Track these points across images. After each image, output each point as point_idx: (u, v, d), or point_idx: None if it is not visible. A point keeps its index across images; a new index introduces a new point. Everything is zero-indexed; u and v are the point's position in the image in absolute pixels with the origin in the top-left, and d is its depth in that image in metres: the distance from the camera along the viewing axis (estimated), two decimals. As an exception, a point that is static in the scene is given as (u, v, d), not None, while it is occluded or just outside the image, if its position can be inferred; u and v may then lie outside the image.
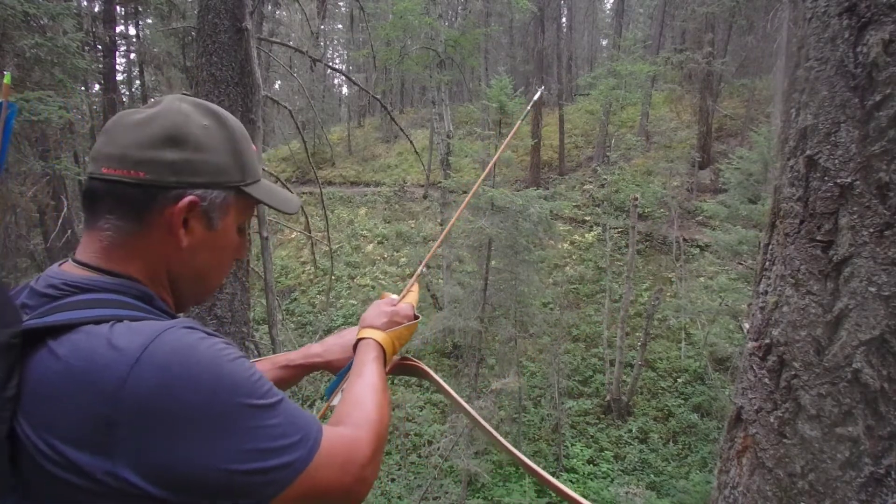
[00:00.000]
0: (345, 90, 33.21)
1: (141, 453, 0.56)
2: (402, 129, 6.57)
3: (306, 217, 5.75)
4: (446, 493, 8.50)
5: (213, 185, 0.73)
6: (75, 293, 0.66)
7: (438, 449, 8.19)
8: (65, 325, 0.60)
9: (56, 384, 0.57)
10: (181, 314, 0.79)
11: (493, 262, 10.06)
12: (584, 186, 17.19)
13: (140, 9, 16.14)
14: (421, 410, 10.64)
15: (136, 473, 0.56)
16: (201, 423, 0.58)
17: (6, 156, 0.80)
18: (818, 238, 0.79)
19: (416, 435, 10.09)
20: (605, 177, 15.05)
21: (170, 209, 0.70)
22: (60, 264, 0.71)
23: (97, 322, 0.61)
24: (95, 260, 0.69)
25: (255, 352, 4.09)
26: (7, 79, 0.84)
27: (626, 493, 8.40)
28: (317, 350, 1.05)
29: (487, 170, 1.38)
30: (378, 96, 8.50)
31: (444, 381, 1.00)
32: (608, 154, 15.85)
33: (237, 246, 0.81)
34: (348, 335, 1.05)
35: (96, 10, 15.74)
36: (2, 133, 0.84)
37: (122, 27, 17.81)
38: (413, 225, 17.48)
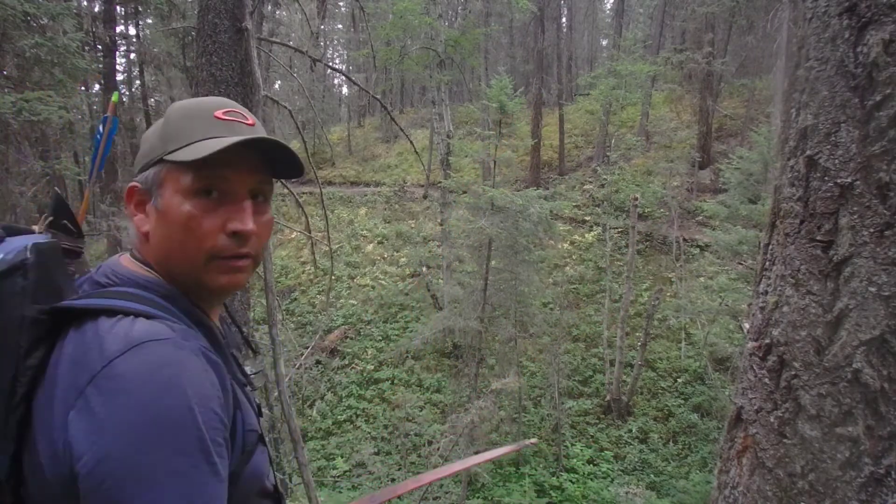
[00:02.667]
0: (345, 90, 33.21)
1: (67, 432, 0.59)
2: (402, 129, 6.56)
3: (306, 217, 5.75)
4: (446, 493, 8.50)
5: (144, 168, 0.77)
6: (115, 284, 0.72)
7: (438, 449, 8.17)
8: (88, 311, 0.65)
9: (58, 364, 0.63)
10: (212, 313, 0.81)
11: (493, 262, 10.05)
12: (584, 186, 17.18)
13: (140, 9, 16.13)
14: (421, 410, 10.63)
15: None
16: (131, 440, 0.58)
17: (105, 164, 1.02)
18: (818, 238, 0.79)
19: (416, 435, 10.08)
20: (605, 177, 15.05)
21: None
22: (120, 256, 0.79)
23: (111, 313, 0.65)
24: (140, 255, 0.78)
25: (255, 352, 4.09)
26: (115, 97, 1.07)
27: (626, 493, 8.39)
28: None
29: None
30: (378, 96, 8.50)
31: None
32: (608, 154, 15.84)
33: (190, 214, 0.73)
34: None
35: (96, 10, 15.73)
36: (104, 144, 1.03)
37: (122, 27, 17.80)
38: (413, 225, 17.48)
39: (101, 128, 1.08)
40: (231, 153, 0.73)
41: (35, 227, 0.79)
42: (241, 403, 0.73)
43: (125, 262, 0.76)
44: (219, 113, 0.77)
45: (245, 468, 0.72)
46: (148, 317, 0.66)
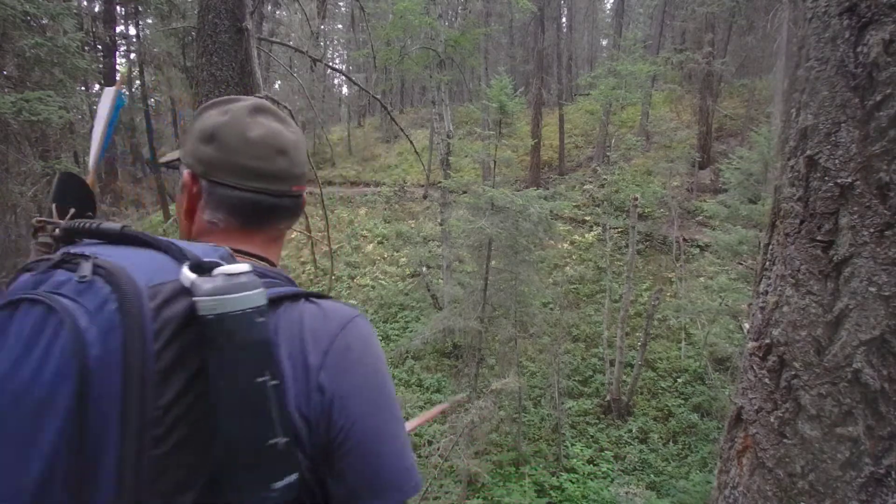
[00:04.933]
0: (345, 90, 33.21)
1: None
2: (402, 129, 6.56)
3: (306, 217, 5.75)
4: (446, 493, 8.50)
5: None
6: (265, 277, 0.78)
7: (438, 449, 8.17)
8: (281, 297, 0.73)
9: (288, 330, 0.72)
10: None
11: (493, 262, 10.05)
12: (584, 186, 17.18)
13: (140, 9, 16.14)
14: (421, 410, 10.63)
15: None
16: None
17: (111, 139, 0.93)
18: (818, 238, 0.79)
19: (416, 435, 10.08)
20: (605, 177, 15.05)
21: (302, 205, 0.91)
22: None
23: (295, 298, 0.75)
24: (256, 250, 0.85)
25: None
26: (124, 69, 0.96)
27: (626, 493, 8.39)
28: None
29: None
30: (378, 96, 8.50)
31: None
32: (608, 154, 15.85)
33: None
34: None
35: (96, 10, 15.76)
36: (110, 116, 0.94)
37: (122, 27, 17.82)
38: (413, 225, 17.48)
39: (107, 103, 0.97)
40: None
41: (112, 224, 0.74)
42: None
43: (247, 259, 0.82)
44: None
45: None
46: (323, 297, 0.77)
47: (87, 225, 0.71)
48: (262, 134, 0.82)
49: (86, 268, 0.62)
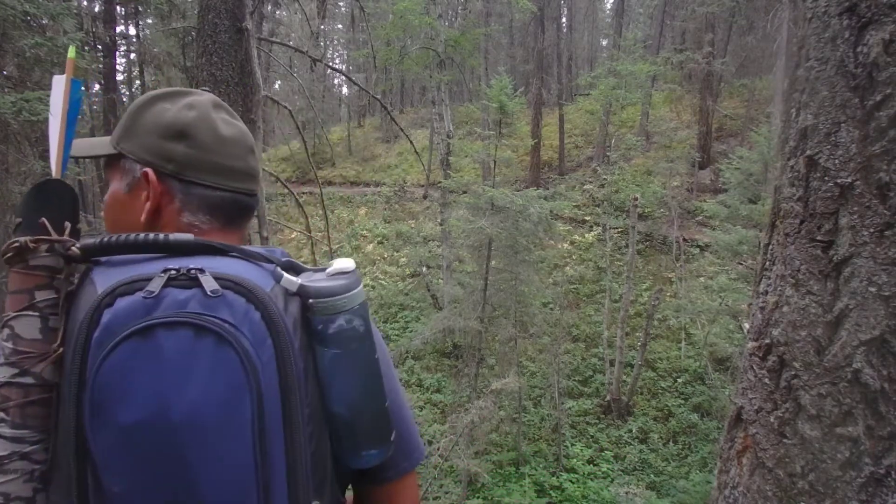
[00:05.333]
0: (345, 90, 33.21)
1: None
2: (402, 129, 6.56)
3: (306, 217, 5.75)
4: (446, 493, 8.50)
5: None
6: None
7: (438, 449, 8.17)
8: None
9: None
10: None
11: (493, 262, 10.05)
12: (584, 186, 17.18)
13: (140, 9, 16.14)
14: (421, 410, 10.63)
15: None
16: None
17: (72, 138, 0.81)
18: (818, 238, 0.79)
19: (416, 435, 10.09)
20: (605, 177, 15.04)
21: None
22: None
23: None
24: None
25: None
26: (71, 52, 0.80)
27: (626, 493, 8.39)
28: None
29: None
30: (378, 96, 8.50)
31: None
32: (608, 154, 15.84)
33: None
34: None
35: (96, 10, 15.75)
36: (65, 114, 0.77)
37: (122, 27, 17.83)
38: (413, 225, 17.48)
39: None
40: None
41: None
42: None
43: None
44: None
45: None
46: None
47: (149, 238, 0.65)
48: (234, 133, 0.79)
49: (210, 282, 0.60)
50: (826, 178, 0.78)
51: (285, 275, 0.68)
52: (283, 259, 0.72)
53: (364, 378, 0.71)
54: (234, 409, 0.57)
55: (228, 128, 0.79)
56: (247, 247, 0.71)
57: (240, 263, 0.67)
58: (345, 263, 0.72)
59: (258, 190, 0.83)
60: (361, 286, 0.72)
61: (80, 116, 0.81)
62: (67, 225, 0.67)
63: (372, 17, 17.27)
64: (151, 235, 0.65)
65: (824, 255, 0.78)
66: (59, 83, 0.77)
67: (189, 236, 0.66)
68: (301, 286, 0.67)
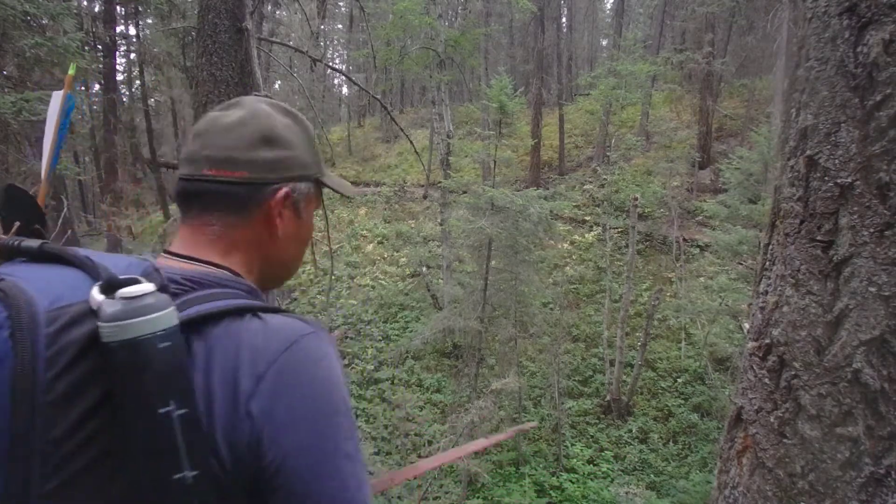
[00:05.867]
0: (345, 90, 33.21)
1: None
2: (402, 129, 6.57)
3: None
4: (446, 493, 8.49)
5: (301, 178, 0.81)
6: (196, 289, 0.68)
7: (438, 449, 8.17)
8: (220, 313, 0.64)
9: (209, 372, 0.62)
10: None
11: (493, 262, 10.05)
12: (584, 186, 17.18)
13: (140, 9, 16.14)
14: (421, 410, 10.63)
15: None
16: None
17: (62, 145, 0.84)
18: (818, 238, 0.79)
19: (416, 435, 10.08)
20: (605, 177, 15.05)
21: (268, 202, 0.76)
22: (156, 258, 0.74)
23: (239, 313, 0.65)
24: (200, 252, 0.73)
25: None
26: (72, 69, 0.86)
27: (626, 493, 8.39)
28: None
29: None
30: (378, 96, 8.50)
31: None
32: (608, 154, 15.85)
33: (312, 230, 0.87)
34: None
35: (96, 10, 15.76)
36: (58, 124, 0.84)
37: (122, 27, 17.83)
38: (413, 225, 17.48)
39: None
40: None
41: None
42: None
43: (177, 263, 0.72)
44: None
45: None
46: (276, 311, 0.68)
47: (11, 243, 0.65)
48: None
49: None
50: (826, 178, 0.78)
51: (93, 291, 0.60)
52: (129, 274, 0.63)
53: (142, 431, 0.58)
54: None
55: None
56: (108, 257, 0.67)
57: (63, 274, 0.63)
58: (141, 288, 0.60)
59: (208, 173, 0.74)
60: (166, 313, 0.60)
61: (69, 125, 0.88)
62: (16, 224, 0.70)
63: (372, 17, 17.27)
64: (9, 241, 0.66)
65: (824, 255, 0.78)
66: (57, 98, 0.84)
67: (36, 243, 0.65)
68: (100, 306, 0.59)
